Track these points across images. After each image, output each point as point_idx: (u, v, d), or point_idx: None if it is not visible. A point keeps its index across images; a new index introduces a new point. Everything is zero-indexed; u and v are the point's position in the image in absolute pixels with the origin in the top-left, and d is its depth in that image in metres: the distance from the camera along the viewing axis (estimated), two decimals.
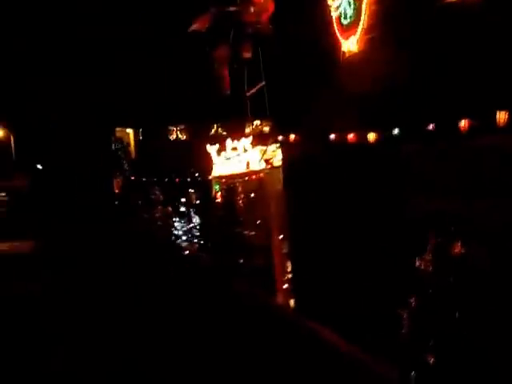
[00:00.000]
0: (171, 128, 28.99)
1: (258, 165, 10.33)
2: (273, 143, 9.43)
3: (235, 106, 11.49)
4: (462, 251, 4.37)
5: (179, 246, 14.39)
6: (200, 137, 21.72)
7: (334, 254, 7.30)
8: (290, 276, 9.19)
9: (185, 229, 14.12)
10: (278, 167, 9.72)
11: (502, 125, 4.70)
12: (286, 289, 9.30)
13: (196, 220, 13.38)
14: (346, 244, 7.05)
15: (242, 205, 11.70)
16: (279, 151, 9.58)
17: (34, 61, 23.91)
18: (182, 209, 14.22)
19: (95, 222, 20.97)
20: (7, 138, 32.18)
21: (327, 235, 7.59)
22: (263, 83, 9.60)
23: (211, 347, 6.52)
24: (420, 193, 5.93)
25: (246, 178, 11.49)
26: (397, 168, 6.33)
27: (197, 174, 13.92)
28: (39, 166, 32.02)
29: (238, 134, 11.63)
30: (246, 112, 10.91)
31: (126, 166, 26.50)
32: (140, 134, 28.91)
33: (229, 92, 11.72)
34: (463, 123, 5.09)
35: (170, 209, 14.99)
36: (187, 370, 5.94)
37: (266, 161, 10.09)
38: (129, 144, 28.97)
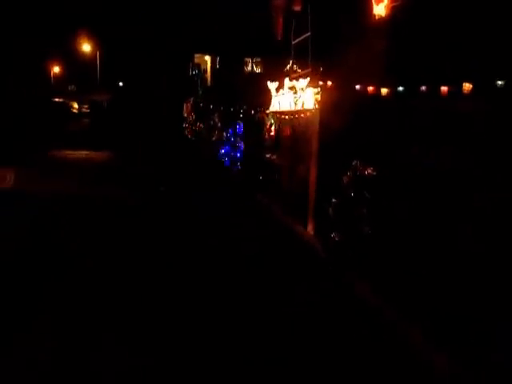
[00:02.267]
0: (247, 60, 30.14)
1: (309, 104, 11.36)
2: (315, 87, 10.54)
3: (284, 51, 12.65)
4: (373, 173, 6.01)
5: (222, 164, 16.47)
6: (273, 70, 22.81)
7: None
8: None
9: (230, 152, 15.92)
10: None
11: (466, 93, 5.95)
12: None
13: (241, 146, 14.99)
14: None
15: (286, 138, 13.09)
16: None
17: None
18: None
19: (163, 140, 23.15)
20: (93, 55, 34.51)
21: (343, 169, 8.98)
22: (308, 34, 10.70)
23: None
24: (414, 141, 7.25)
25: (296, 116, 12.76)
26: (403, 118, 7.60)
27: (248, 107, 15.29)
28: (120, 84, 34.30)
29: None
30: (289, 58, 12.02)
31: (200, 92, 27.85)
32: (217, 63, 30.20)
33: (280, 38, 12.95)
34: (443, 89, 6.34)
35: (224, 134, 16.65)
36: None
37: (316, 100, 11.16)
38: (205, 71, 30.37)
